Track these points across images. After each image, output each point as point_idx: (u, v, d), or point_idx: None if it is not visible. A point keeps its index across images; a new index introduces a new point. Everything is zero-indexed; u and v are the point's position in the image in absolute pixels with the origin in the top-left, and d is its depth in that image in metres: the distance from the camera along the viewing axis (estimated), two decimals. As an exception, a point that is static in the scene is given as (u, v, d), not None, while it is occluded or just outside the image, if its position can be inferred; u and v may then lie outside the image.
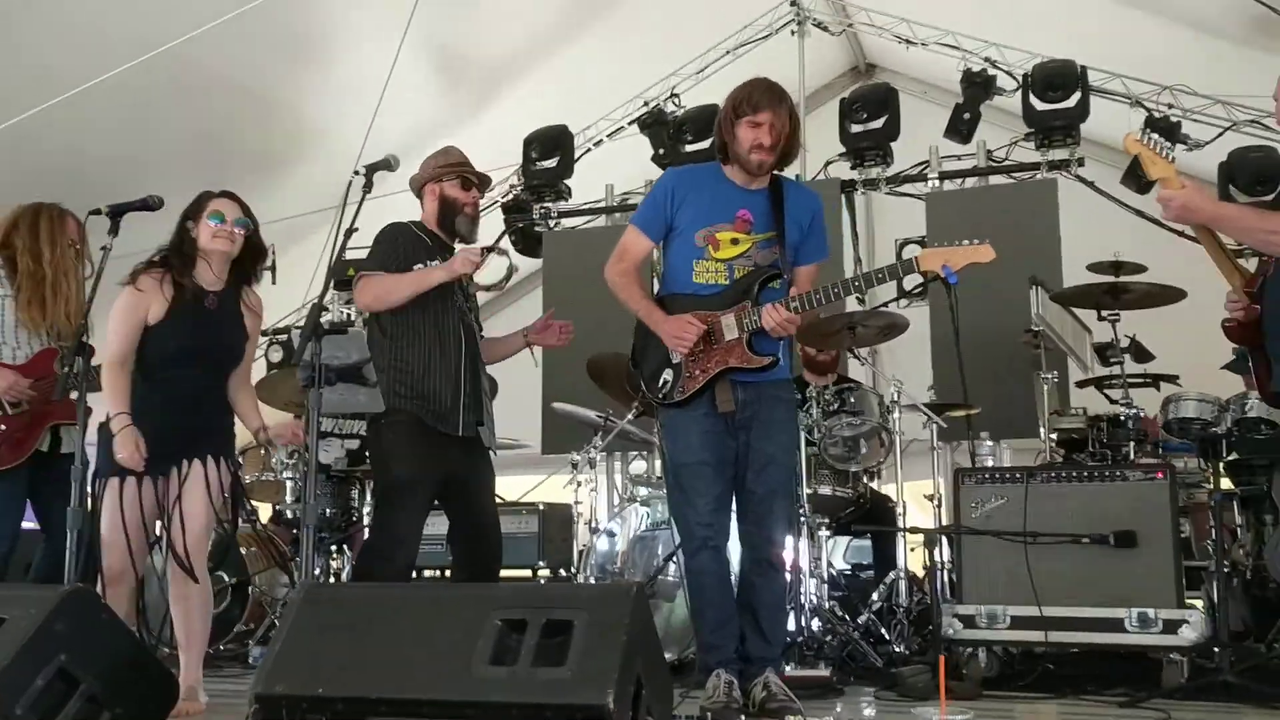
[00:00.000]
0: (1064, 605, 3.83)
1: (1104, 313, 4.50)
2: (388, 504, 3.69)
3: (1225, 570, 4.29)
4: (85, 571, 3.23)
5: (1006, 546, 3.93)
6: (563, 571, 5.28)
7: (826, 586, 4.66)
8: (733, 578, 3.50)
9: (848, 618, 4.49)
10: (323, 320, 3.10)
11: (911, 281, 3.54)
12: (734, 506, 3.47)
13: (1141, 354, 4.60)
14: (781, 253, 3.40)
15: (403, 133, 8.07)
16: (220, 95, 6.69)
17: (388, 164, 3.47)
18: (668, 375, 3.42)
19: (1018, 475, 4.03)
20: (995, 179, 6.60)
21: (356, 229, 3.28)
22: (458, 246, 3.83)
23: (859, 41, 9.17)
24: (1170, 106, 6.70)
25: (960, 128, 6.85)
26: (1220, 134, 6.69)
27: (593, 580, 4.64)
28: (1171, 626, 3.70)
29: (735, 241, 3.42)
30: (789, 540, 4.28)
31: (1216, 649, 3.64)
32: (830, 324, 4.68)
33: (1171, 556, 3.80)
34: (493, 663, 2.17)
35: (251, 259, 3.70)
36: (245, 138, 7.32)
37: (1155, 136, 3.12)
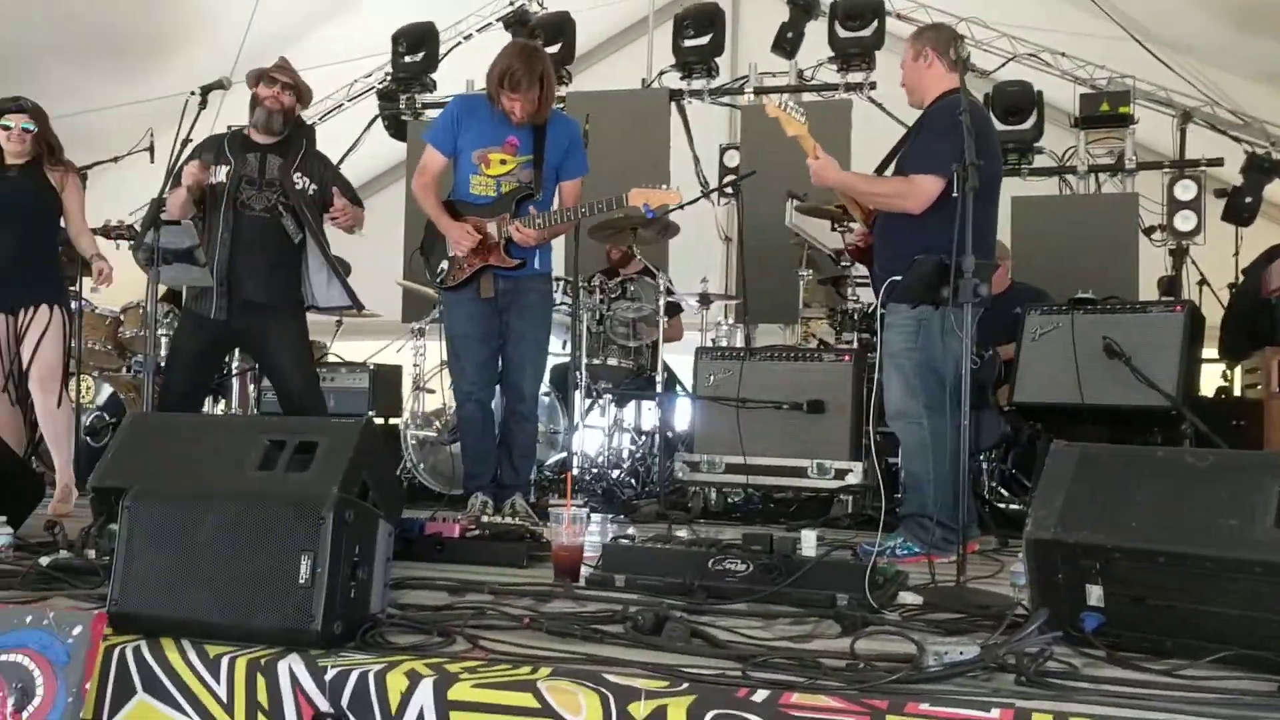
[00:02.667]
0: (765, 456, 4.90)
1: (836, 225, 5.48)
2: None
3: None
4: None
5: (727, 409, 4.98)
6: (391, 419, 6.25)
7: (608, 439, 5.74)
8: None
9: (615, 464, 5.56)
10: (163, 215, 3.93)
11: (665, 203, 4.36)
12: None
13: (867, 259, 5.58)
14: (538, 174, 4.30)
15: (287, 20, 8.69)
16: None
17: (220, 84, 4.22)
18: (444, 265, 4.36)
19: (739, 354, 5.07)
20: (806, 96, 7.48)
21: (191, 140, 4.10)
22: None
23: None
24: (963, 39, 7.61)
25: (785, 45, 7.71)
26: (1003, 64, 7.67)
27: (415, 427, 5.62)
28: (841, 474, 4.80)
29: (503, 162, 4.33)
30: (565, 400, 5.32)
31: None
32: (618, 225, 5.61)
33: (849, 421, 4.87)
34: (260, 468, 3.11)
35: (50, 149, 4.62)
36: (136, 23, 7.90)
37: (790, 102, 3.96)
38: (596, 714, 1.96)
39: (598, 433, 6.06)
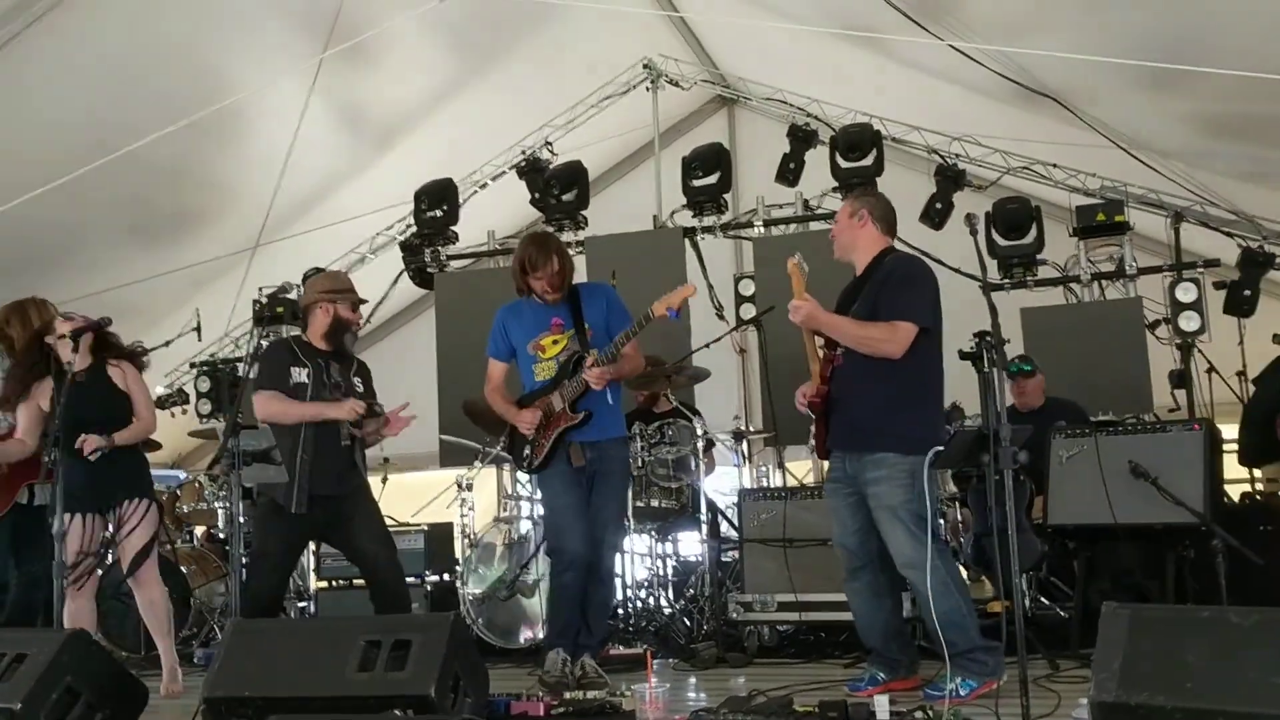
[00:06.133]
0: (815, 592, 5.10)
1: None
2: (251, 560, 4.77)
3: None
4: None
5: (774, 548, 5.19)
6: (446, 576, 6.45)
7: (657, 581, 5.93)
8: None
9: (667, 604, 5.74)
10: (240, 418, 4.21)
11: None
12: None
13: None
14: (582, 338, 4.58)
15: (309, 185, 9.08)
16: (146, 173, 7.52)
17: (284, 289, 4.52)
18: (527, 450, 4.63)
19: (781, 494, 5.30)
20: (814, 225, 7.80)
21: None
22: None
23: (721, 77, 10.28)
24: (959, 156, 7.99)
25: (787, 175, 8.10)
26: (999, 178, 8.03)
27: (471, 583, 5.80)
28: (890, 605, 4.98)
29: (555, 342, 4.62)
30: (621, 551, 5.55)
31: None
32: (655, 375, 5.90)
33: (893, 553, 5.06)
34: (360, 670, 3.32)
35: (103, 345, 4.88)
36: (167, 202, 8.29)
37: (804, 265, 4.22)
38: None
39: (641, 569, 6.24)
